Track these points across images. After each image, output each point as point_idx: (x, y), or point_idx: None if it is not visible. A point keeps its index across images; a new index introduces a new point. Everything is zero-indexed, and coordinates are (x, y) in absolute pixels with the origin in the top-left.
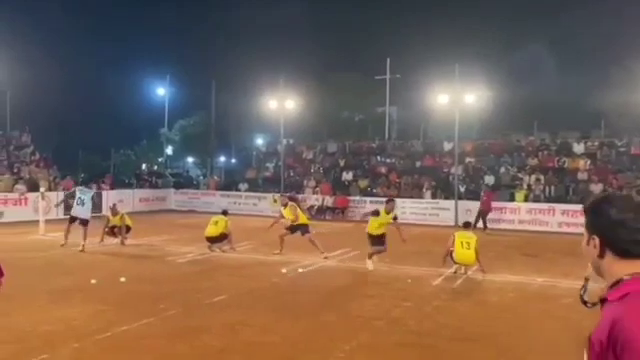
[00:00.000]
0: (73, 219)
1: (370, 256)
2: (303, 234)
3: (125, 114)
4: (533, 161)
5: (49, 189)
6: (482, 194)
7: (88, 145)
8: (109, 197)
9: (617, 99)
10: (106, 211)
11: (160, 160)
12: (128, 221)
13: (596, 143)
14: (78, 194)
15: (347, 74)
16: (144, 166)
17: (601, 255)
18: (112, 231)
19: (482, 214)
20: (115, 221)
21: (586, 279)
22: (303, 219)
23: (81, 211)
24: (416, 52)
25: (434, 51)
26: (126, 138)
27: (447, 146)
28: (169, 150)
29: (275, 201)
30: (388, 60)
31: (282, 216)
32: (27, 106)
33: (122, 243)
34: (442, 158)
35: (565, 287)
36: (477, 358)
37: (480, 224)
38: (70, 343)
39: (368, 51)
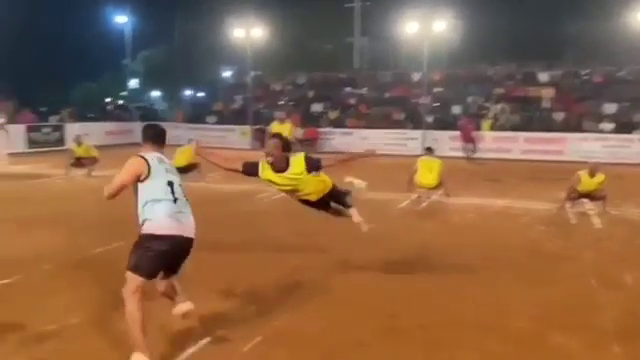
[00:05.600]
0: None
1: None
2: None
3: (85, 45)
4: (499, 90)
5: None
6: (461, 123)
7: (47, 78)
8: (73, 130)
9: (582, 28)
10: (70, 144)
11: (124, 93)
12: (94, 152)
13: (560, 72)
14: None
15: (316, 1)
16: (108, 100)
17: None
18: (78, 162)
19: (467, 142)
20: (80, 152)
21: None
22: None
23: None
24: None
25: None
26: (87, 70)
27: (416, 76)
28: (133, 83)
29: (244, 134)
30: None
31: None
32: None
33: (89, 174)
34: (411, 88)
35: (523, 207)
36: (445, 269)
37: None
38: (41, 265)
39: None
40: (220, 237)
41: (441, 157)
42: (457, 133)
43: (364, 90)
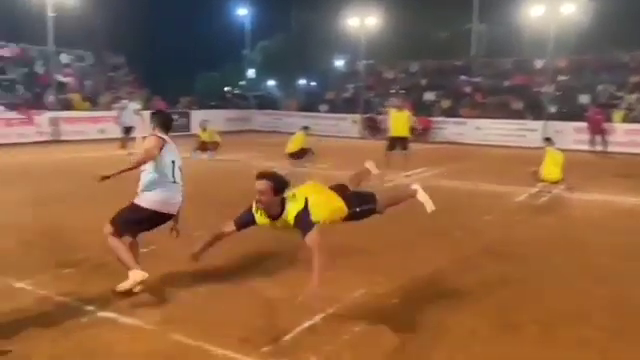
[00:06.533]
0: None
1: None
2: (403, 149)
3: (209, 37)
4: (635, 78)
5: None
6: (590, 114)
7: (176, 68)
8: (198, 117)
9: None
10: (195, 130)
11: (242, 83)
12: (217, 137)
13: None
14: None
15: None
16: (227, 88)
17: None
18: (203, 146)
19: (595, 134)
20: (205, 137)
21: None
22: (407, 131)
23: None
24: None
25: None
26: (210, 61)
27: (539, 63)
28: (251, 72)
29: (355, 122)
30: None
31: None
32: (117, 29)
33: (212, 158)
34: (533, 76)
35: None
36: (566, 266)
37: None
38: (169, 236)
39: None
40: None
41: (564, 150)
42: (584, 124)
43: (480, 78)
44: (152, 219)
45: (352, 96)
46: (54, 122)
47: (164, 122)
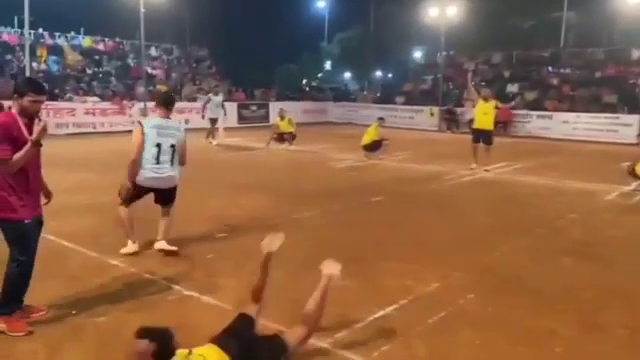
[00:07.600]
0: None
1: None
2: (486, 142)
3: (289, 29)
4: None
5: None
6: None
7: (256, 61)
8: (275, 108)
9: None
10: (273, 120)
11: (320, 75)
12: (293, 128)
13: None
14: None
15: None
16: (304, 81)
17: None
18: (280, 137)
19: None
20: (283, 126)
21: None
22: (492, 124)
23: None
24: None
25: None
26: (289, 53)
27: (636, 54)
28: (327, 65)
29: (432, 114)
30: None
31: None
32: (201, 23)
33: (287, 148)
34: (628, 67)
35: None
36: None
37: None
38: (249, 224)
39: None
40: (410, 212)
41: None
42: None
43: (568, 69)
44: (141, 191)
45: (430, 88)
46: (143, 112)
47: (165, 101)
